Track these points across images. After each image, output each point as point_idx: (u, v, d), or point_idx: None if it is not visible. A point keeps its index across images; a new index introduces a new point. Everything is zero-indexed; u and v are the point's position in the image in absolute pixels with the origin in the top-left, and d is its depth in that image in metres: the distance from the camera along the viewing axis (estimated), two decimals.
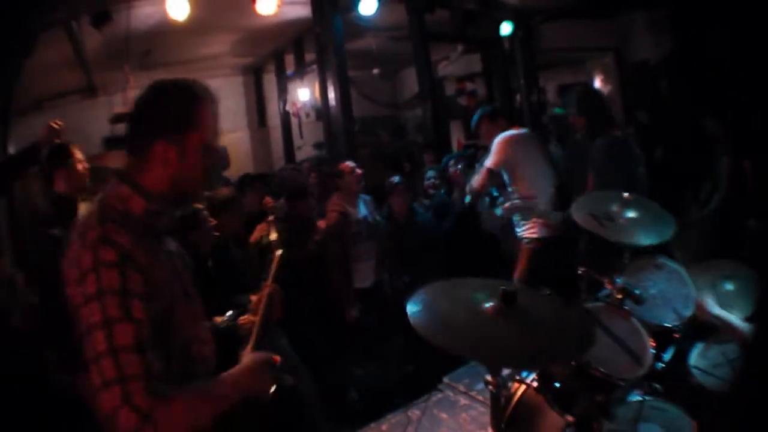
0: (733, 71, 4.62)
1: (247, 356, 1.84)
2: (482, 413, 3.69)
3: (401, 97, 12.85)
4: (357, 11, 6.97)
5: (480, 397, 3.81)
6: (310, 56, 9.16)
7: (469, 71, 10.79)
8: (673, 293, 2.87)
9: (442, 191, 6.20)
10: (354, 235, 5.04)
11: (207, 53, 8.96)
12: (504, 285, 1.83)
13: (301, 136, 10.88)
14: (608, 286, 2.82)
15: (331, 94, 6.92)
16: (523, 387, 2.49)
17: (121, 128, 8.95)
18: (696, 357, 2.77)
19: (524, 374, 2.53)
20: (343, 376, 4.93)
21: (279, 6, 6.30)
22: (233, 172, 9.74)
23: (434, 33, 8.08)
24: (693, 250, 3.48)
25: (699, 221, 4.27)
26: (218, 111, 1.78)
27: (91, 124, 8.92)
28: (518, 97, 9.37)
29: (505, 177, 4.79)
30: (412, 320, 1.75)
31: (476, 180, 4.83)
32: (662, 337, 2.67)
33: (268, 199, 4.91)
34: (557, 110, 7.60)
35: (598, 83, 10.08)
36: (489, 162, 4.74)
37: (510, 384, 2.53)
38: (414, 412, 3.58)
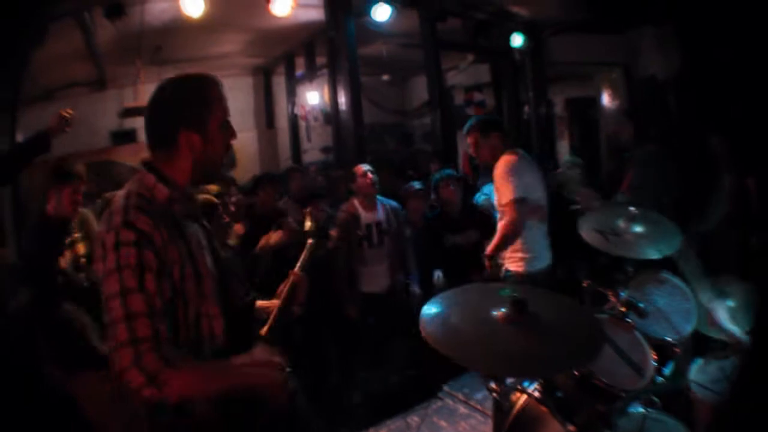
0: (740, 88, 4.65)
1: (261, 351, 1.93)
2: (481, 422, 3.71)
3: (409, 104, 12.88)
4: (370, 17, 7.00)
5: (479, 407, 3.84)
6: (320, 60, 9.17)
7: (478, 81, 10.82)
8: (675, 308, 2.91)
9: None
10: (363, 239, 5.04)
11: (218, 52, 8.96)
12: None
13: (309, 140, 10.93)
14: (612, 299, 2.85)
15: (342, 99, 6.95)
16: (525, 397, 2.51)
17: (129, 122, 9.01)
18: (695, 372, 2.80)
19: (526, 384, 2.56)
20: (348, 378, 4.94)
21: (293, 8, 6.32)
22: (240, 172, 9.82)
23: (446, 41, 8.09)
24: (694, 265, 3.50)
25: (701, 237, 4.30)
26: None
27: (99, 118, 8.95)
28: (526, 108, 9.42)
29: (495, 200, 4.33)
30: (423, 329, 1.79)
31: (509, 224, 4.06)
32: (663, 351, 2.70)
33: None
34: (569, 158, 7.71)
35: (605, 98, 10.12)
36: (512, 193, 4.01)
37: (512, 393, 2.55)
38: (413, 419, 3.60)
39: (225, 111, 1.92)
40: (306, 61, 9.45)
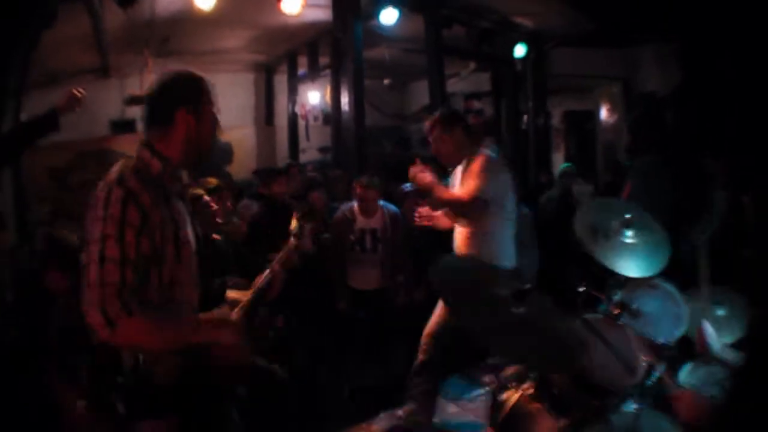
0: (737, 105, 4.74)
1: (223, 312, 2.18)
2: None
3: (408, 109, 12.93)
4: (377, 20, 7.05)
5: (470, 405, 3.91)
6: (323, 60, 9.24)
7: (477, 89, 10.91)
8: (666, 312, 2.97)
9: None
10: (354, 243, 5.12)
11: (222, 47, 9.00)
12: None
13: (308, 139, 10.94)
14: (606, 302, 2.91)
15: (344, 100, 6.99)
16: (519, 393, 2.58)
17: (129, 112, 9.02)
18: (685, 374, 2.86)
19: (519, 382, 2.62)
20: (341, 374, 4.97)
21: (303, 6, 6.37)
22: (236, 168, 9.85)
23: (450, 48, 8.16)
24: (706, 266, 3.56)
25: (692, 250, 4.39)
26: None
27: (100, 106, 8.89)
28: (525, 118, 9.51)
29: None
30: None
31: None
32: (654, 352, 2.77)
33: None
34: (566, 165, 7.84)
35: (604, 112, 10.24)
36: (479, 191, 3.60)
37: (506, 390, 2.63)
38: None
39: (214, 103, 2.13)
40: (309, 60, 9.48)
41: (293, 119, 10.79)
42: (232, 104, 10.73)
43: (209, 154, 2.17)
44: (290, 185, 5.95)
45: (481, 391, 3.90)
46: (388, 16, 7.04)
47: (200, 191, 3.89)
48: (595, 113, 10.72)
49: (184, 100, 2.04)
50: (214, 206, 3.98)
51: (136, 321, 1.77)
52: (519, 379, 2.65)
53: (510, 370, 2.65)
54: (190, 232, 2.11)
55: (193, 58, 8.55)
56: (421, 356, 3.78)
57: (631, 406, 2.48)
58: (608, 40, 8.77)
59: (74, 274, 2.69)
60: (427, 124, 3.96)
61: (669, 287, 3.11)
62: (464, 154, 3.84)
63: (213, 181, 4.36)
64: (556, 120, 10.89)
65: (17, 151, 4.16)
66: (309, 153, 10.93)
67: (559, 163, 10.67)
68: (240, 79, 10.92)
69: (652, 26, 7.49)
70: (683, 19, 5.70)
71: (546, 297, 2.51)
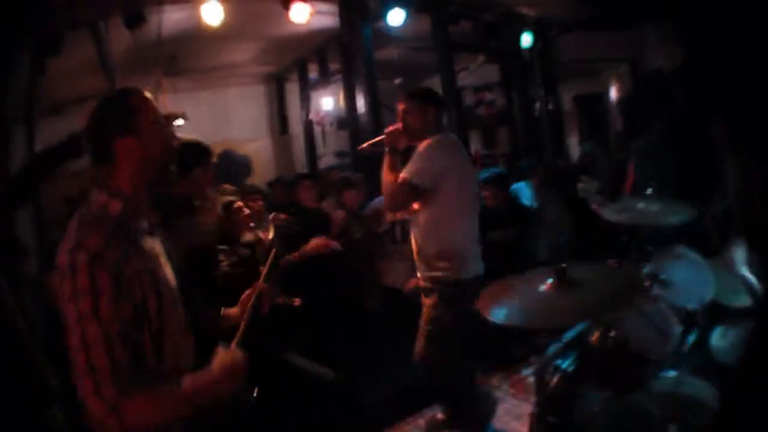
0: (742, 79, 4.81)
1: (222, 356, 1.92)
2: (515, 405, 3.89)
3: None
4: (385, 21, 7.10)
5: (512, 390, 4.01)
6: (332, 65, 9.31)
7: (486, 81, 11.01)
8: (694, 279, 3.09)
9: None
10: (384, 234, 5.22)
11: (231, 61, 9.06)
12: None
13: (324, 145, 11.05)
14: None
15: (359, 103, 7.07)
16: (560, 374, 2.69)
17: None
18: (716, 338, 2.98)
19: (561, 363, 2.73)
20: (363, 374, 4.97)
21: (311, 14, 6.44)
22: (256, 180, 9.94)
23: (458, 43, 8.25)
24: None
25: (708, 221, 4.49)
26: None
27: None
28: (537, 106, 9.61)
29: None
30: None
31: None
32: (686, 319, 2.89)
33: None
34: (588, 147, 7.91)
35: (613, 93, 10.29)
36: (413, 175, 3.40)
37: (549, 372, 2.73)
38: None
39: (152, 109, 1.91)
40: (319, 66, 9.54)
41: (308, 127, 10.86)
42: (246, 117, 10.90)
43: (170, 169, 1.98)
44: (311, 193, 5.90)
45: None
46: (396, 17, 7.07)
47: (232, 197, 3.94)
48: (604, 95, 10.76)
49: (117, 128, 1.84)
50: (247, 211, 4.02)
51: (139, 402, 1.66)
52: (561, 357, 2.75)
53: (552, 350, 2.75)
54: (167, 270, 1.96)
55: (200, 76, 8.69)
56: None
57: (671, 373, 2.61)
58: (611, 23, 8.84)
59: None
60: (403, 95, 3.74)
61: (694, 255, 3.23)
62: (428, 136, 3.56)
63: (230, 187, 4.42)
64: (567, 104, 10.95)
65: (36, 182, 4.14)
66: (326, 158, 11.02)
67: (574, 146, 10.76)
68: (251, 92, 11.00)
69: (653, 6, 7.57)
70: None
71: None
